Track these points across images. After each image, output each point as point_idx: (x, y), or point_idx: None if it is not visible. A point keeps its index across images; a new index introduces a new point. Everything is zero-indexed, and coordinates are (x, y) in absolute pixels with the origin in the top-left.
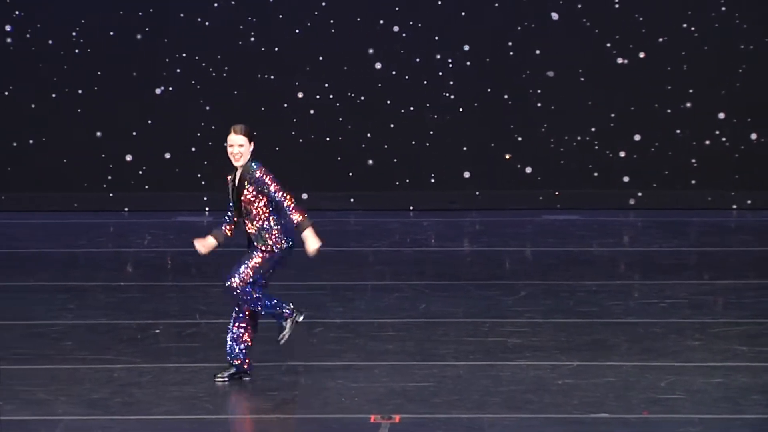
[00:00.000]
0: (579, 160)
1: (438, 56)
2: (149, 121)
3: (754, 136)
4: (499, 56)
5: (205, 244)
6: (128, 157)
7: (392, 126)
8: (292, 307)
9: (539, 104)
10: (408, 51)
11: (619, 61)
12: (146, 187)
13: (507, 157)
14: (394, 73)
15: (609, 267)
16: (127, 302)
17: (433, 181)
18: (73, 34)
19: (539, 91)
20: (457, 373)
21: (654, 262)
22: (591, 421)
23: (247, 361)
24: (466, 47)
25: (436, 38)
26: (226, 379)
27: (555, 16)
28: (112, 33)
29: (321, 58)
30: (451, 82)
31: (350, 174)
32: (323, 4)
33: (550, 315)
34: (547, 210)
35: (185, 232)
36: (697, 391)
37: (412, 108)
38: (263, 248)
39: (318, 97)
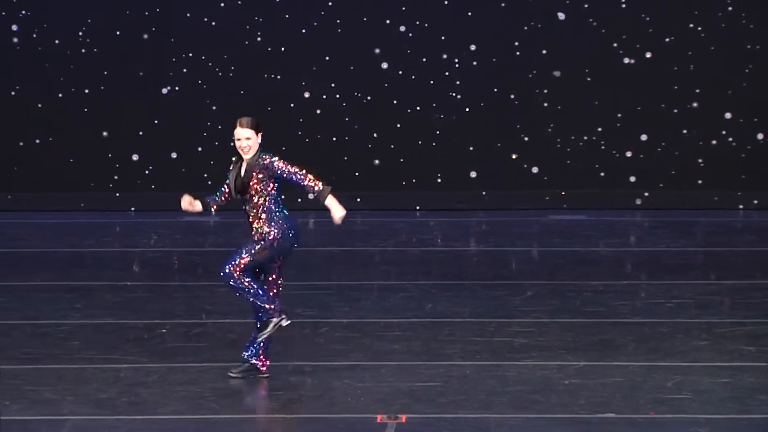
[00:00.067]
0: (585, 160)
1: (444, 56)
2: (156, 121)
3: (760, 136)
4: (506, 56)
5: (192, 202)
6: (135, 157)
7: (399, 126)
8: (279, 307)
9: (546, 104)
10: (414, 51)
11: (626, 61)
12: (153, 186)
13: (513, 157)
14: (400, 72)
15: (615, 267)
16: (133, 302)
17: (439, 181)
18: (80, 33)
19: (546, 91)
20: (464, 372)
21: (660, 262)
22: (598, 421)
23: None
24: (473, 47)
25: (443, 38)
26: (240, 375)
27: (561, 16)
28: (118, 33)
29: (327, 58)
30: (458, 82)
31: (357, 174)
32: (329, 4)
33: (556, 315)
34: (553, 210)
35: (192, 232)
36: (704, 391)
37: (418, 108)
38: (263, 237)
39: (324, 96)
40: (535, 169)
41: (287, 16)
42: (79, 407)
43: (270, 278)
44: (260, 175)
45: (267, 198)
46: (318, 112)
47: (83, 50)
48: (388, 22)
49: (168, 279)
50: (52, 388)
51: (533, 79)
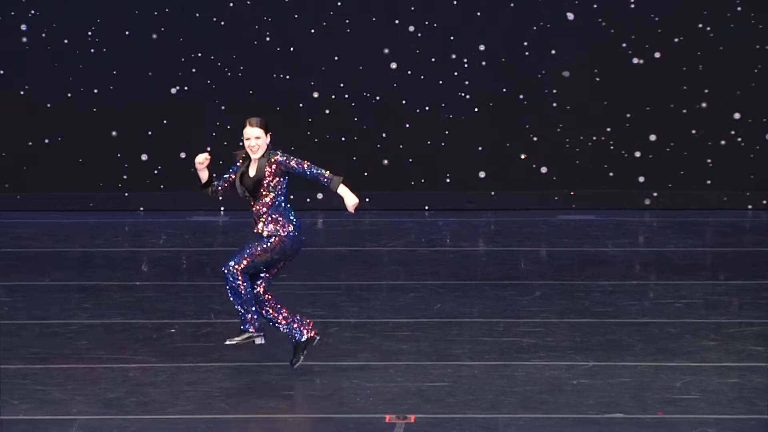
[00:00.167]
0: (594, 160)
1: (453, 56)
2: (164, 121)
3: None
4: (515, 56)
5: (204, 163)
6: (144, 157)
7: (407, 126)
8: (259, 325)
9: (554, 104)
10: (423, 51)
11: (635, 61)
12: (162, 186)
13: (522, 157)
14: (409, 72)
15: (624, 267)
16: (142, 302)
17: (448, 181)
18: (89, 33)
19: (554, 91)
20: (472, 373)
21: (669, 262)
22: (606, 422)
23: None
24: (482, 47)
25: (452, 38)
26: (300, 360)
27: (570, 16)
28: (127, 32)
29: (336, 57)
30: (467, 82)
31: (365, 173)
32: (339, 3)
33: (565, 315)
34: (562, 210)
35: (200, 232)
36: (713, 391)
37: (427, 108)
38: (269, 236)
39: (333, 96)
40: (544, 169)
41: (296, 15)
42: (88, 407)
43: (263, 274)
44: (273, 173)
45: (276, 196)
46: (327, 111)
47: (92, 50)
48: (397, 22)
49: (177, 279)
50: (61, 388)
51: (542, 79)
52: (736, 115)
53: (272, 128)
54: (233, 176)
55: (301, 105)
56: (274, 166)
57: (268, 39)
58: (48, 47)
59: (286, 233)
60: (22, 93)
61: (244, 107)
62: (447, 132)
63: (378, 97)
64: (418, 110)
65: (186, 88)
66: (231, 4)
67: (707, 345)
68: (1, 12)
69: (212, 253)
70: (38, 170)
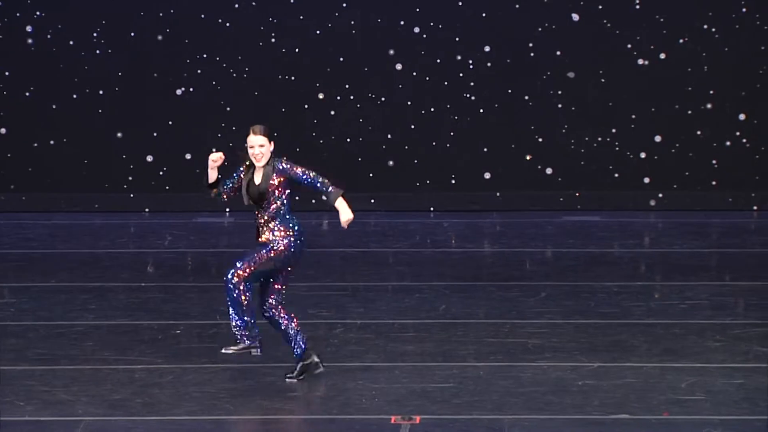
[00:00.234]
0: (599, 161)
1: (458, 57)
2: (170, 122)
3: None
4: (520, 57)
5: (217, 162)
6: (149, 158)
7: (413, 127)
8: (254, 336)
9: (560, 105)
10: (429, 52)
11: (640, 62)
12: (167, 187)
13: (527, 158)
14: (414, 74)
15: (629, 268)
16: (148, 303)
17: (453, 182)
18: (94, 34)
19: (560, 92)
20: (478, 374)
21: (674, 263)
22: (611, 422)
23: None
24: (487, 48)
25: (457, 39)
26: (299, 377)
27: (575, 17)
28: (132, 34)
29: (341, 59)
30: (472, 83)
31: (371, 175)
32: (344, 5)
33: (570, 316)
34: (567, 211)
35: (206, 233)
36: (718, 392)
37: (432, 109)
38: (271, 244)
39: (338, 98)
40: (549, 170)
41: (301, 17)
42: (94, 408)
43: (275, 286)
44: (278, 180)
45: (281, 203)
46: (332, 113)
47: (97, 51)
48: (402, 23)
49: (182, 280)
50: (67, 389)
51: (547, 80)
52: (741, 116)
53: (277, 129)
54: (238, 182)
55: (306, 106)
56: (279, 174)
57: (273, 40)
58: (53, 48)
59: (287, 241)
60: (27, 94)
61: (249, 109)
62: (452, 133)
63: (383, 99)
64: (423, 111)
65: (191, 90)
66: (236, 6)
67: (712, 346)
68: (6, 13)
69: (218, 254)
70: (43, 171)
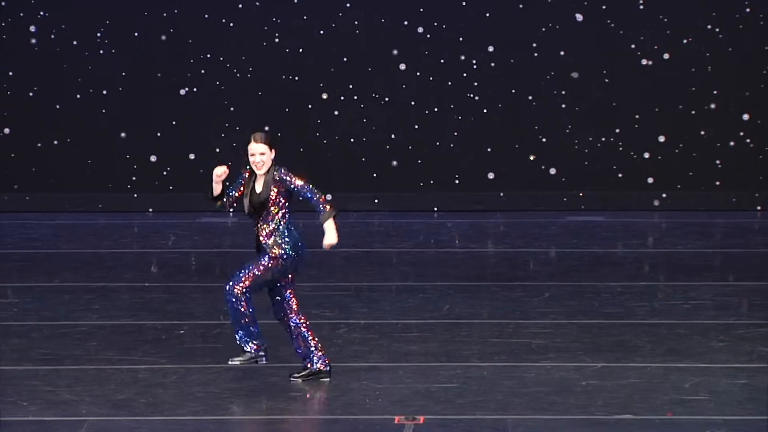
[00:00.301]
0: (603, 161)
1: (462, 57)
2: (174, 122)
3: None
4: (524, 57)
5: (221, 177)
6: (153, 158)
7: (416, 127)
8: (259, 346)
9: (563, 105)
10: (432, 52)
11: (644, 62)
12: (171, 187)
13: (531, 158)
14: (418, 74)
15: (633, 268)
16: (151, 303)
17: (457, 182)
18: (98, 34)
19: (563, 92)
20: (482, 374)
21: (678, 263)
22: (615, 423)
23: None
24: (491, 48)
25: (461, 39)
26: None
27: (579, 17)
28: (136, 34)
29: (345, 59)
30: (476, 83)
31: (374, 175)
32: (348, 5)
33: (574, 316)
34: (571, 211)
35: (209, 233)
36: (722, 392)
37: (436, 109)
38: (271, 254)
39: (342, 98)
40: (552, 170)
41: (305, 17)
42: (97, 408)
43: (287, 292)
44: (278, 189)
45: (282, 214)
46: (336, 113)
47: (101, 51)
48: (406, 23)
49: (186, 280)
50: (70, 389)
51: (551, 80)
52: (745, 116)
53: (281, 129)
54: (239, 191)
55: (310, 106)
56: (279, 184)
57: (276, 40)
58: (57, 48)
59: (282, 252)
60: (31, 94)
61: (252, 109)
62: (456, 133)
63: (387, 99)
64: (426, 111)
65: (195, 90)
66: (240, 6)
67: (716, 346)
68: (10, 13)
69: (221, 254)
70: (47, 171)
